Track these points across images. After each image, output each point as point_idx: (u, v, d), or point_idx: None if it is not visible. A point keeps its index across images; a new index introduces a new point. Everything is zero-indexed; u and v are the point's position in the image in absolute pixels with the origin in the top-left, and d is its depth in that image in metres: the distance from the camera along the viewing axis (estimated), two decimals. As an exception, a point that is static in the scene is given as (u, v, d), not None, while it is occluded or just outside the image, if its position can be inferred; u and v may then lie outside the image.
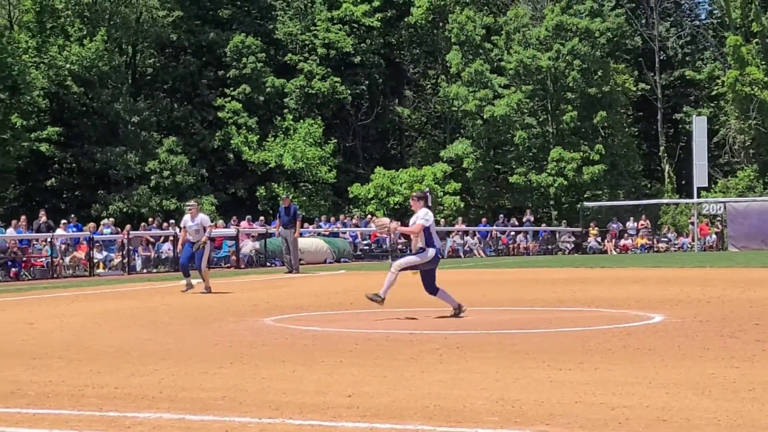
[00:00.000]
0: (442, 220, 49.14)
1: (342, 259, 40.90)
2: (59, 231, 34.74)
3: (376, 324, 14.01)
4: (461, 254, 45.91)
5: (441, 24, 60.87)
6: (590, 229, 50.73)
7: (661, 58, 64.70)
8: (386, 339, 12.13)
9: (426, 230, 14.54)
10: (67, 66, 49.81)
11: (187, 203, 23.06)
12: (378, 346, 11.51)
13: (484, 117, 56.70)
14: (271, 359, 10.58)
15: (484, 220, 49.70)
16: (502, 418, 6.95)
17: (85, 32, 51.71)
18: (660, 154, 62.89)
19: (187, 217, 21.67)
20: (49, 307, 18.94)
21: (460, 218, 49.55)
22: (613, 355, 10.13)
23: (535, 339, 11.80)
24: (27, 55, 49.25)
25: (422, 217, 14.65)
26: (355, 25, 58.38)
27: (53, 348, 12.09)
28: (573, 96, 56.83)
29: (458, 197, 55.02)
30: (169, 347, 12.01)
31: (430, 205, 15.16)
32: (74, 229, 36.06)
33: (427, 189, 18.23)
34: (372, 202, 52.89)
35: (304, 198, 54.40)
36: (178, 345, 12.25)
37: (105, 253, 36.01)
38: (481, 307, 16.22)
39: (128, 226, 37.07)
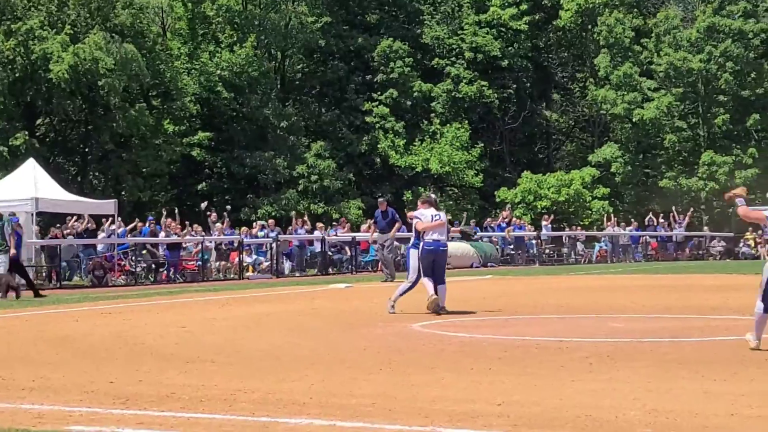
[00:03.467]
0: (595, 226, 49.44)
1: (489, 264, 39.91)
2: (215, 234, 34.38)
3: (525, 330, 13.81)
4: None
5: (589, 27, 59.47)
6: (747, 233, 48.45)
7: None
8: (535, 346, 11.91)
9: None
10: (218, 72, 49.89)
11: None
12: (527, 353, 11.29)
13: (633, 120, 55.81)
14: (419, 366, 10.33)
15: (635, 224, 47.76)
16: (656, 429, 6.85)
17: (235, 39, 51.74)
18: (818, 157, 60.18)
19: None
20: (201, 310, 18.58)
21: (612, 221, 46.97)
22: (770, 365, 10.06)
23: (688, 348, 11.67)
24: (179, 62, 50.10)
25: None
26: (503, 29, 57.17)
27: (205, 352, 11.77)
28: (725, 98, 55.18)
29: (607, 202, 53.80)
30: (319, 352, 11.70)
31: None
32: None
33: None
34: (519, 206, 51.44)
35: (451, 202, 53.43)
36: (327, 350, 11.92)
37: (254, 257, 35.22)
38: (631, 314, 16.04)
39: (271, 221, 37.25)
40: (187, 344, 12.64)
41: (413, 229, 16.86)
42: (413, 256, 16.64)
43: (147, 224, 32.69)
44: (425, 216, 16.47)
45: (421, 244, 16.35)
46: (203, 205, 36.74)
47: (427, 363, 10.48)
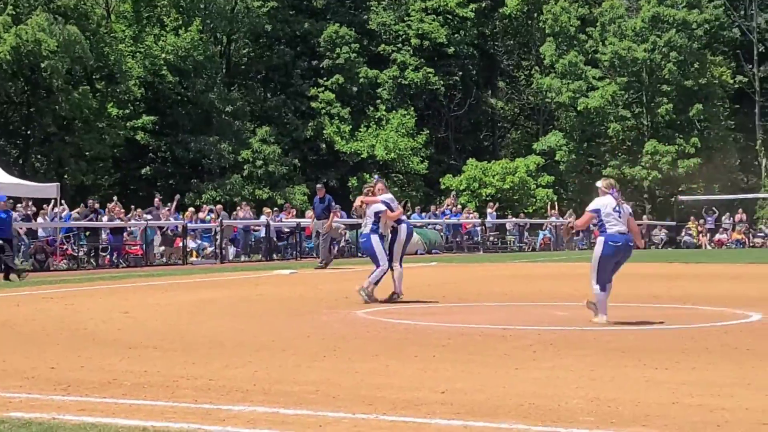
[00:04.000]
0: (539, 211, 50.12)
1: (433, 251, 40.00)
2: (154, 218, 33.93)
3: (469, 318, 13.77)
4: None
5: (535, 15, 60.07)
6: (690, 222, 50.26)
7: (760, 50, 61.71)
8: (479, 334, 11.89)
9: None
10: (163, 55, 49.65)
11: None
12: (471, 341, 11.28)
13: (578, 109, 56.00)
14: (364, 353, 10.33)
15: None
16: (598, 418, 6.90)
17: (180, 22, 51.36)
18: (757, 147, 60.17)
19: None
20: (144, 295, 18.41)
21: (555, 209, 47.84)
22: (710, 354, 10.12)
23: (631, 337, 11.68)
24: (123, 45, 49.78)
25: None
26: (449, 16, 57.35)
27: (148, 338, 11.69)
28: (669, 88, 55.95)
29: (551, 190, 53.86)
30: (263, 339, 11.61)
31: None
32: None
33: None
34: (464, 193, 51.76)
35: (396, 189, 53.19)
36: (271, 336, 11.83)
37: (198, 242, 35.01)
38: (575, 303, 15.76)
39: (219, 206, 37.44)
40: (130, 330, 12.54)
41: (372, 215, 16.17)
42: (377, 242, 16.00)
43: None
44: (395, 202, 16.38)
45: (404, 225, 16.18)
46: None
47: (372, 350, 10.50)
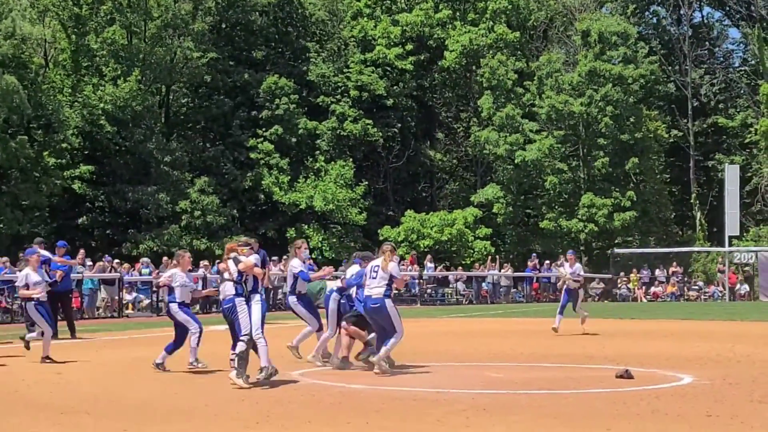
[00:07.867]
0: (476, 263, 49.78)
1: None
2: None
3: (404, 381, 13.66)
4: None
5: (473, 68, 59.70)
6: (632, 275, 51.02)
7: (694, 105, 63.78)
8: (413, 399, 11.82)
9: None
10: (101, 105, 48.74)
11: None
12: (404, 406, 11.24)
13: (515, 161, 56.07)
14: (297, 419, 10.27)
15: (531, 263, 48.58)
16: None
17: (119, 72, 50.52)
18: (692, 201, 62.03)
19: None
20: (78, 353, 18.05)
21: (495, 262, 47.98)
22: (641, 421, 10.16)
23: (563, 401, 11.70)
24: (61, 94, 49.18)
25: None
26: (388, 68, 57.33)
27: (81, 402, 11.49)
28: (605, 142, 56.43)
29: (489, 242, 53.50)
30: (196, 403, 11.49)
31: None
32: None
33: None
34: (402, 245, 51.16)
35: (334, 240, 52.90)
36: (205, 400, 11.70)
37: (134, 295, 34.73)
38: (510, 363, 16.08)
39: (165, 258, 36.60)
40: (62, 393, 12.40)
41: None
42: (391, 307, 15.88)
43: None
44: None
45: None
46: None
47: (305, 416, 10.45)
